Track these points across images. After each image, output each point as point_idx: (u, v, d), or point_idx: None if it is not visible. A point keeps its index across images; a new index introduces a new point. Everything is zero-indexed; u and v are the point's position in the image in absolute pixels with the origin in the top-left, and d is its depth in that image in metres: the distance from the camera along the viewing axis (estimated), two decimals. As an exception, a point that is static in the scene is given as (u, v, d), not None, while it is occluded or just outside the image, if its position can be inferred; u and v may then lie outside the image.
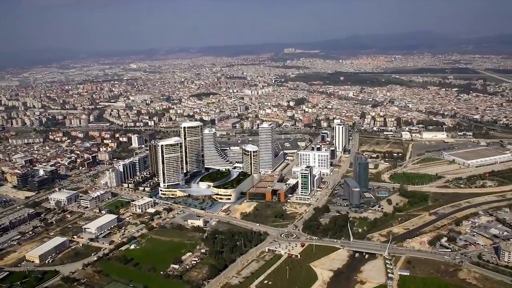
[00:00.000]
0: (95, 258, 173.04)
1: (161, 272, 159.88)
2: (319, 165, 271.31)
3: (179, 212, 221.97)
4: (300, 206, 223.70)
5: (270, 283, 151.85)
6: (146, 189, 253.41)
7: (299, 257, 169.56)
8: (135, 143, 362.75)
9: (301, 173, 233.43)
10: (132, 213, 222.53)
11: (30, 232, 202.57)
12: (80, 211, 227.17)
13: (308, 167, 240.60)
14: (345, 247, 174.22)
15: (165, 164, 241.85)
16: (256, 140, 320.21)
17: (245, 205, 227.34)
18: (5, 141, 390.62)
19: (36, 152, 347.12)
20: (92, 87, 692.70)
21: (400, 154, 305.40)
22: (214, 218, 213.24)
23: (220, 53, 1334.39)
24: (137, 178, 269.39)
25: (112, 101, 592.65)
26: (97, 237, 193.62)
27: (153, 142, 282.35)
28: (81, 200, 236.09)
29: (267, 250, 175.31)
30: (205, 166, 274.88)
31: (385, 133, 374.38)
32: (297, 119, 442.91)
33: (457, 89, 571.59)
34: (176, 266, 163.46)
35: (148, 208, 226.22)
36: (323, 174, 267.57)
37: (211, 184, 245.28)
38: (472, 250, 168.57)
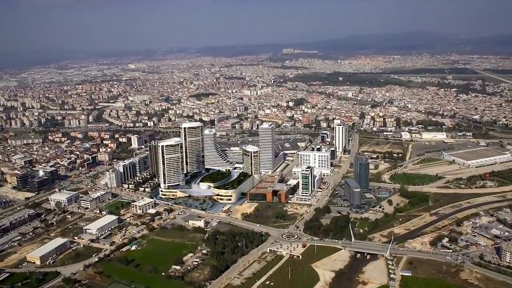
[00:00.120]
0: (96, 259, 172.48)
1: (163, 273, 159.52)
2: (319, 166, 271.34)
3: (179, 213, 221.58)
4: (301, 206, 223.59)
5: (272, 284, 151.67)
6: (147, 189, 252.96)
7: (300, 257, 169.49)
8: (134, 144, 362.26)
9: (301, 173, 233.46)
10: (133, 214, 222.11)
11: (31, 233, 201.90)
12: (80, 212, 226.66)
13: (308, 167, 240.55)
14: (347, 247, 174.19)
15: (165, 164, 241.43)
16: (256, 140, 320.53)
17: (246, 206, 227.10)
18: (4, 141, 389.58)
19: (36, 152, 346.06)
20: (91, 88, 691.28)
21: (400, 155, 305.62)
22: (215, 218, 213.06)
23: (219, 54, 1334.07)
24: (137, 178, 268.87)
25: (111, 101, 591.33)
26: (98, 238, 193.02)
27: (153, 143, 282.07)
28: (82, 201, 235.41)
29: (268, 251, 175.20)
30: (205, 166, 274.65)
31: (384, 133, 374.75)
32: (297, 119, 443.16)
33: (456, 89, 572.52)
34: (178, 267, 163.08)
35: (149, 209, 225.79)
36: (324, 175, 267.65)
37: (212, 184, 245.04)
38: (473, 250, 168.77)
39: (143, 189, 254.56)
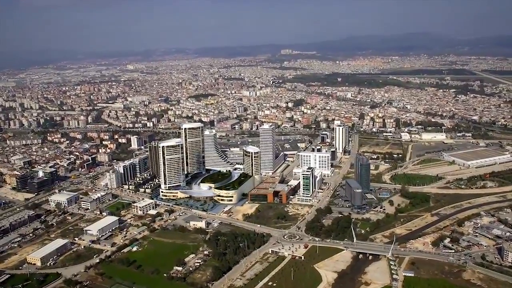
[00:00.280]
0: (97, 260, 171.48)
1: (165, 274, 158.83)
2: (320, 166, 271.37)
3: (180, 214, 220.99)
4: (302, 207, 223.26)
5: (274, 285, 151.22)
6: (147, 190, 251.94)
7: (302, 258, 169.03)
8: (134, 145, 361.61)
9: (302, 174, 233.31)
10: (133, 215, 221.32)
11: (31, 234, 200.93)
12: (80, 213, 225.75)
13: (309, 168, 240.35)
14: (349, 248, 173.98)
15: (166, 165, 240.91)
16: (255, 141, 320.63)
17: (247, 207, 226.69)
18: (3, 142, 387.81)
19: (35, 153, 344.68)
20: (89, 88, 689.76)
21: (400, 155, 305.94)
22: (216, 219, 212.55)
23: (217, 54, 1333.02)
24: (137, 179, 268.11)
25: (110, 102, 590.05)
26: (99, 239, 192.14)
27: (153, 143, 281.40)
28: (82, 202, 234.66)
29: (270, 252, 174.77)
30: (206, 167, 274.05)
31: (384, 134, 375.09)
32: (296, 120, 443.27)
33: (454, 90, 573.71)
34: (180, 268, 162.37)
35: (149, 209, 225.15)
36: (324, 175, 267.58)
37: (213, 185, 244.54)
38: (475, 251, 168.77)
39: (143, 190, 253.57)
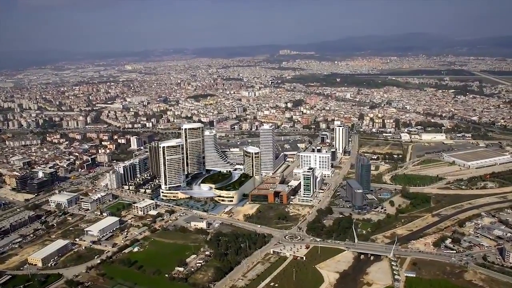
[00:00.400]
0: (99, 261, 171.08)
1: (166, 275, 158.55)
2: (320, 167, 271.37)
3: (181, 214, 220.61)
4: (302, 208, 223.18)
5: (276, 285, 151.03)
6: (147, 191, 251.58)
7: (304, 259, 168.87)
8: (134, 145, 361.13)
9: (303, 174, 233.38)
10: (134, 216, 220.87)
11: (31, 235, 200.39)
12: (81, 214, 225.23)
13: (310, 168, 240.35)
14: (350, 248, 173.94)
15: (166, 166, 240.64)
16: (255, 141, 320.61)
17: (248, 207, 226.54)
18: (2, 143, 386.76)
19: (34, 154, 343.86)
20: (88, 89, 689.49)
21: (400, 156, 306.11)
22: (217, 220, 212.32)
23: (215, 55, 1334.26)
24: (137, 180, 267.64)
25: (108, 102, 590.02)
26: (100, 240, 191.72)
27: (153, 144, 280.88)
28: (82, 203, 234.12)
29: (272, 252, 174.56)
30: (206, 168, 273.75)
31: (384, 134, 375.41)
32: (296, 120, 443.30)
33: (453, 90, 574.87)
34: (181, 269, 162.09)
35: (150, 210, 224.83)
36: (325, 176, 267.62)
37: (213, 186, 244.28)
38: (476, 251, 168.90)
39: (143, 190, 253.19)
